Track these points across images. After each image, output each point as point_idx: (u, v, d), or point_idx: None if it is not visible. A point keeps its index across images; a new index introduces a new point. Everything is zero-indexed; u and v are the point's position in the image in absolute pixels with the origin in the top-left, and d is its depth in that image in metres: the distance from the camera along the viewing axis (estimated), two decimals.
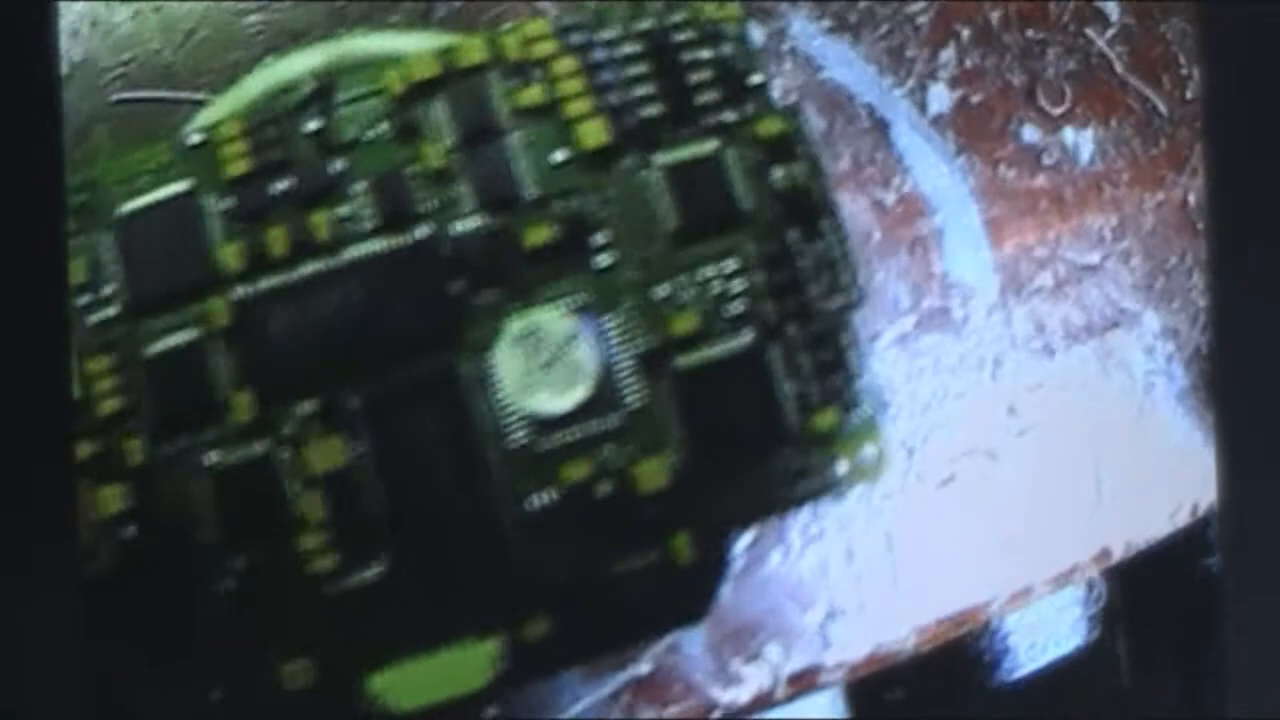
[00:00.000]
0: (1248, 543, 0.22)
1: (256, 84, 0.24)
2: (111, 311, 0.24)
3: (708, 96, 0.24)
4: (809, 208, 0.23)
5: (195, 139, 0.24)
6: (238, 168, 0.24)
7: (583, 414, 0.23)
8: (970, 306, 0.28)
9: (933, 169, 0.28)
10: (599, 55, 0.24)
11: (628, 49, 0.24)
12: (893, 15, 0.29)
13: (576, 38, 0.24)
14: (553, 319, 0.23)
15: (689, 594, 0.23)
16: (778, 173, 0.23)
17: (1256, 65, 0.22)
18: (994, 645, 0.29)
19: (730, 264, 0.23)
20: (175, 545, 0.23)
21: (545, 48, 0.24)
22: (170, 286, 0.24)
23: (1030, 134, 0.29)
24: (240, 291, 0.23)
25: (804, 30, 0.28)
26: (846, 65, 0.28)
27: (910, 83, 0.28)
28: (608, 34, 0.24)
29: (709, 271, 0.23)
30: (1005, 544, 0.27)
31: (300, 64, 0.24)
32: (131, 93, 0.27)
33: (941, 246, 0.28)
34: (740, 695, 0.26)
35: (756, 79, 0.24)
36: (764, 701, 0.27)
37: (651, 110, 0.24)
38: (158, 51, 0.28)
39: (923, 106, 0.28)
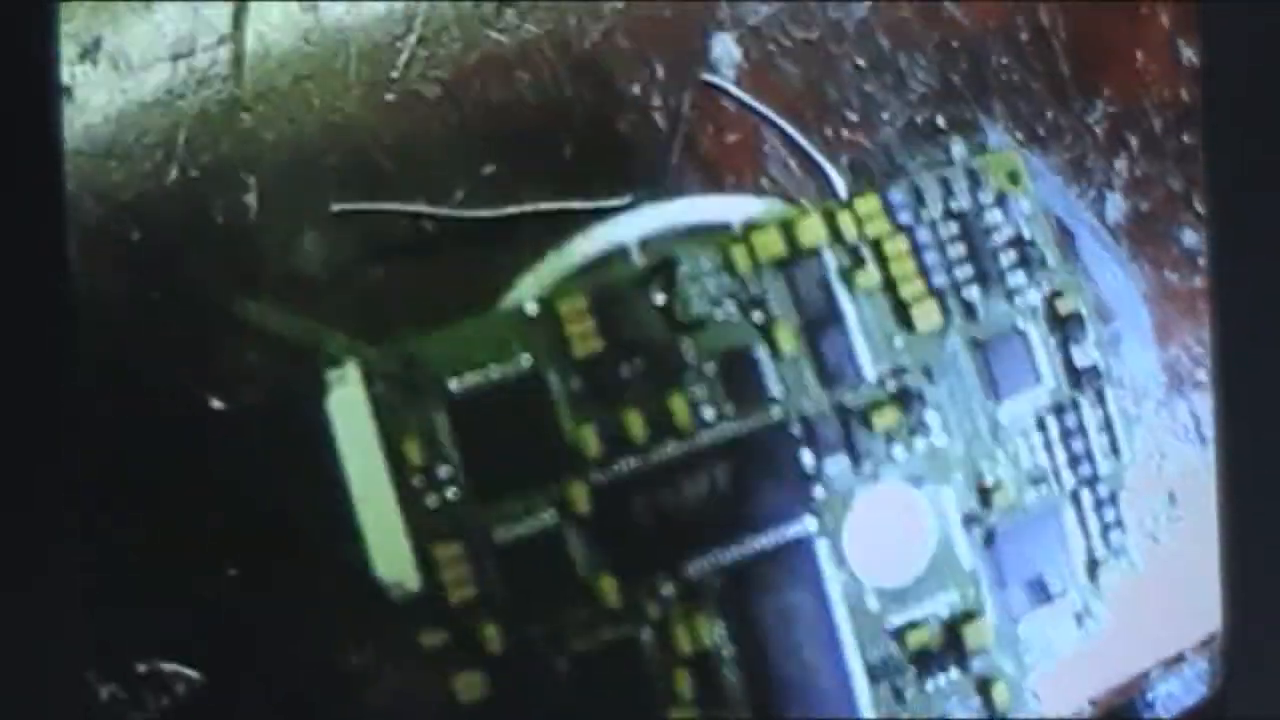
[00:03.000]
0: (1248, 544, 0.27)
1: (581, 249, 0.26)
2: (451, 494, 0.25)
3: (1015, 275, 0.27)
4: (1096, 378, 0.27)
5: (533, 310, 0.25)
6: (588, 346, 0.25)
7: (923, 581, 0.26)
8: (1143, 406, 0.32)
9: (1111, 276, 0.32)
10: (924, 236, 0.26)
11: (948, 229, 0.26)
12: (1074, 125, 0.32)
13: (904, 217, 0.26)
14: (897, 494, 0.26)
15: None
16: (1073, 347, 0.27)
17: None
18: (1139, 704, 0.35)
19: (1037, 436, 0.27)
20: None
21: (878, 227, 0.26)
22: (520, 468, 0.25)
23: (1189, 238, 0.33)
24: (599, 475, 0.25)
25: (1000, 143, 0.31)
26: (1039, 177, 0.31)
27: (1091, 193, 0.32)
28: (928, 213, 0.26)
29: (1020, 444, 0.26)
30: (1164, 617, 0.32)
31: (626, 230, 0.26)
32: (353, 204, 0.27)
33: (1119, 350, 0.32)
34: None
35: (1050, 254, 0.27)
36: None
37: (971, 291, 0.26)
38: (367, 153, 0.28)
39: (1102, 215, 0.32)
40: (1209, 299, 0.32)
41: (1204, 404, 0.32)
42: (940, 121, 0.30)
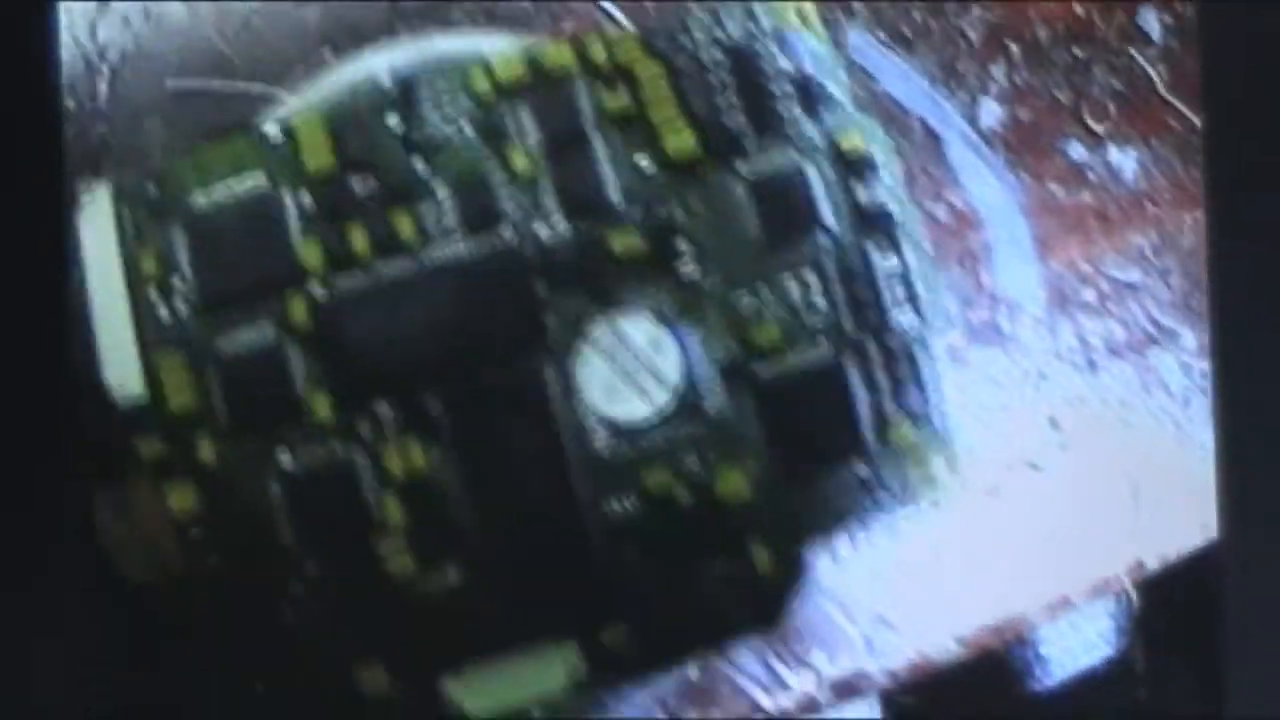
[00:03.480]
0: (1248, 544, 0.23)
1: (333, 81, 0.25)
2: (183, 307, 0.24)
3: (791, 110, 0.25)
4: (889, 222, 0.24)
5: (274, 134, 0.24)
6: (319, 164, 0.24)
7: (665, 421, 0.24)
8: (1017, 321, 0.29)
9: (984, 183, 0.29)
10: (683, 63, 0.25)
11: (712, 57, 0.25)
12: (945, 29, 0.30)
13: (661, 45, 0.25)
14: (637, 326, 0.24)
15: (767, 603, 0.24)
16: (859, 187, 0.24)
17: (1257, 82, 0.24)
18: (1028, 654, 0.31)
19: (811, 277, 0.24)
20: (248, 547, 0.23)
21: (631, 54, 0.25)
22: (247, 283, 0.24)
23: (1077, 151, 0.30)
24: (320, 290, 0.24)
25: (860, 42, 0.30)
26: (901, 78, 0.30)
27: (962, 97, 0.30)
28: (692, 42, 0.25)
29: (790, 283, 0.24)
30: (1045, 555, 0.29)
31: (379, 62, 0.25)
32: (187, 82, 0.28)
33: (991, 261, 0.29)
34: (786, 700, 0.28)
35: (837, 93, 0.25)
36: (808, 707, 0.28)
37: (736, 121, 0.25)
38: (211, 41, 0.28)
39: (974, 121, 0.30)
40: (1209, 298, 0.30)
41: (1094, 328, 0.30)
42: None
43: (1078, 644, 0.32)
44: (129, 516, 0.24)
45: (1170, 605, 0.33)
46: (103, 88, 0.29)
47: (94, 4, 0.30)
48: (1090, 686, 0.33)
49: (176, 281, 0.25)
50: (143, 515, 0.24)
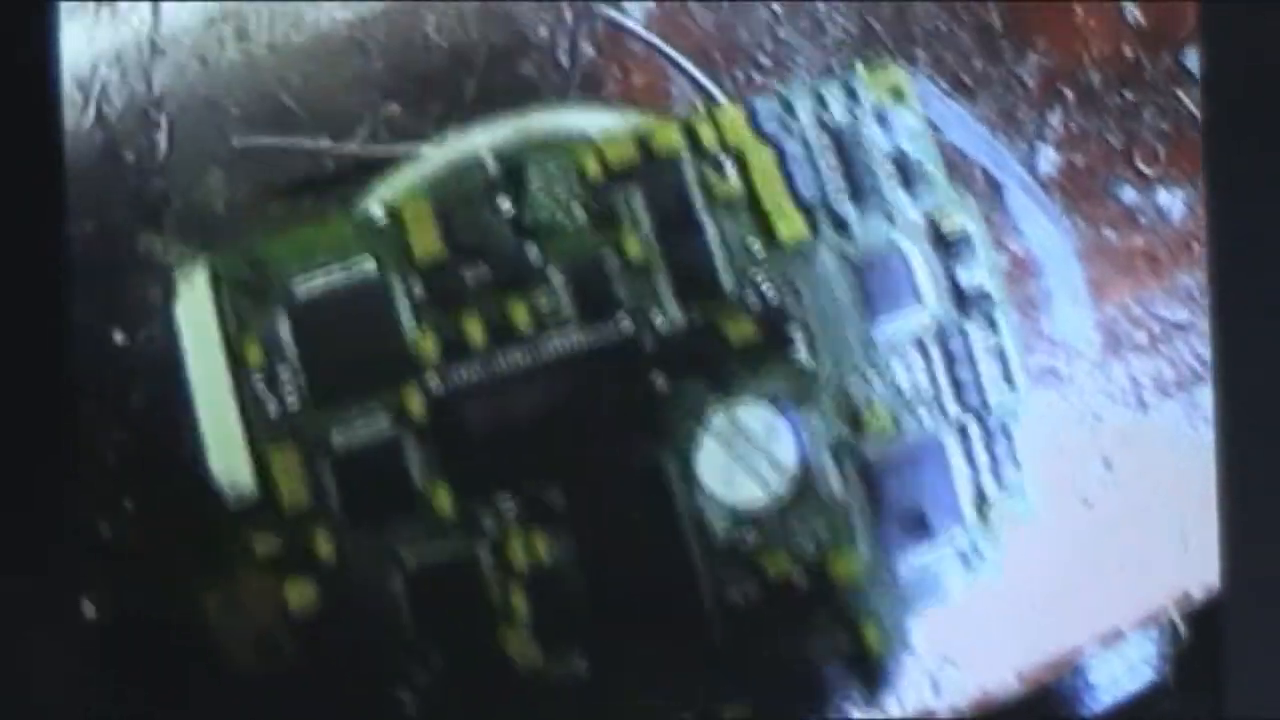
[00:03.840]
0: (1248, 545, 0.24)
1: (435, 160, 0.25)
2: (292, 399, 0.23)
3: (894, 190, 0.25)
4: (987, 301, 0.25)
5: (379, 216, 0.24)
6: (430, 250, 0.24)
7: (782, 507, 0.24)
8: (1075, 365, 0.30)
9: (1042, 230, 0.30)
10: (791, 147, 0.25)
11: (819, 140, 0.25)
12: (1004, 77, 0.30)
13: (769, 127, 0.25)
14: (754, 414, 0.24)
15: (875, 674, 0.25)
16: (959, 269, 0.25)
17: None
18: (1078, 683, 0.32)
19: (916, 358, 0.25)
20: (369, 640, 0.23)
21: (740, 136, 0.25)
22: (359, 374, 0.24)
23: (1129, 195, 0.31)
24: (436, 381, 0.23)
25: (923, 92, 0.30)
26: (962, 126, 0.30)
27: (1021, 145, 0.30)
28: (798, 125, 0.25)
29: (896, 365, 0.24)
30: (1098, 589, 0.30)
31: (481, 140, 0.25)
32: (254, 140, 0.27)
33: (1050, 307, 0.30)
34: None
35: (935, 172, 0.25)
36: None
37: (843, 205, 0.25)
38: (274, 93, 0.28)
39: (1033, 168, 0.30)
40: (1209, 298, 0.31)
41: (1144, 368, 0.30)
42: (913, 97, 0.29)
43: (1124, 671, 0.33)
44: (243, 613, 0.24)
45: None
46: (161, 140, 0.28)
47: (148, 51, 0.28)
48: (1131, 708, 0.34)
49: (284, 372, 0.24)
50: (258, 610, 0.24)
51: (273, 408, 0.24)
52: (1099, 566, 0.30)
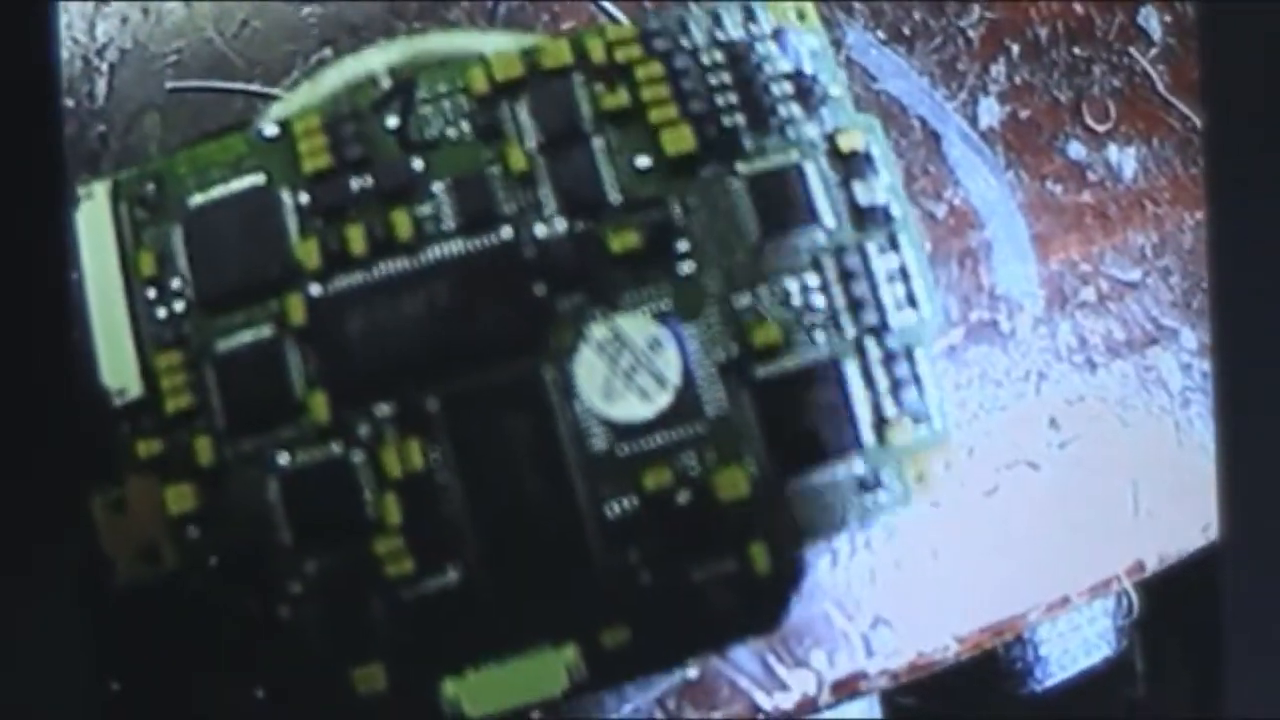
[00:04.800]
0: (1248, 544, 0.23)
1: (332, 79, 0.25)
2: (180, 306, 0.24)
3: (790, 108, 0.24)
4: (887, 221, 0.24)
5: (271, 132, 0.24)
6: (317, 163, 0.24)
7: (664, 421, 0.23)
8: (1017, 320, 0.29)
9: (983, 182, 0.29)
10: (683, 62, 0.24)
11: (711, 57, 0.24)
12: (945, 28, 0.30)
13: (660, 44, 0.24)
14: (636, 325, 0.23)
15: (766, 604, 0.24)
16: (858, 186, 0.24)
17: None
18: (1027, 654, 0.30)
19: (810, 276, 0.24)
20: (245, 547, 0.23)
21: (630, 53, 0.24)
22: (245, 282, 0.24)
23: (1076, 150, 0.30)
24: (318, 289, 0.23)
25: (859, 41, 0.29)
26: (900, 76, 0.29)
27: (962, 96, 0.29)
28: (691, 41, 0.24)
29: (790, 283, 0.24)
30: (1044, 555, 0.29)
31: (377, 59, 0.25)
32: (186, 82, 0.27)
33: (990, 260, 0.29)
34: (785, 701, 0.27)
35: (836, 91, 0.25)
36: (808, 707, 0.28)
37: (734, 120, 0.24)
38: (210, 40, 0.28)
39: (974, 120, 0.29)
40: (1209, 299, 0.30)
41: (1095, 328, 0.29)
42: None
43: (1077, 644, 0.32)
44: (126, 515, 0.24)
45: (1169, 605, 0.32)
46: (101, 86, 0.29)
47: (93, 3, 0.29)
48: (1091, 686, 0.32)
49: (174, 281, 0.24)
50: (140, 514, 0.24)
51: (161, 313, 0.24)
52: (1045, 531, 0.29)
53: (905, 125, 0.30)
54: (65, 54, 0.29)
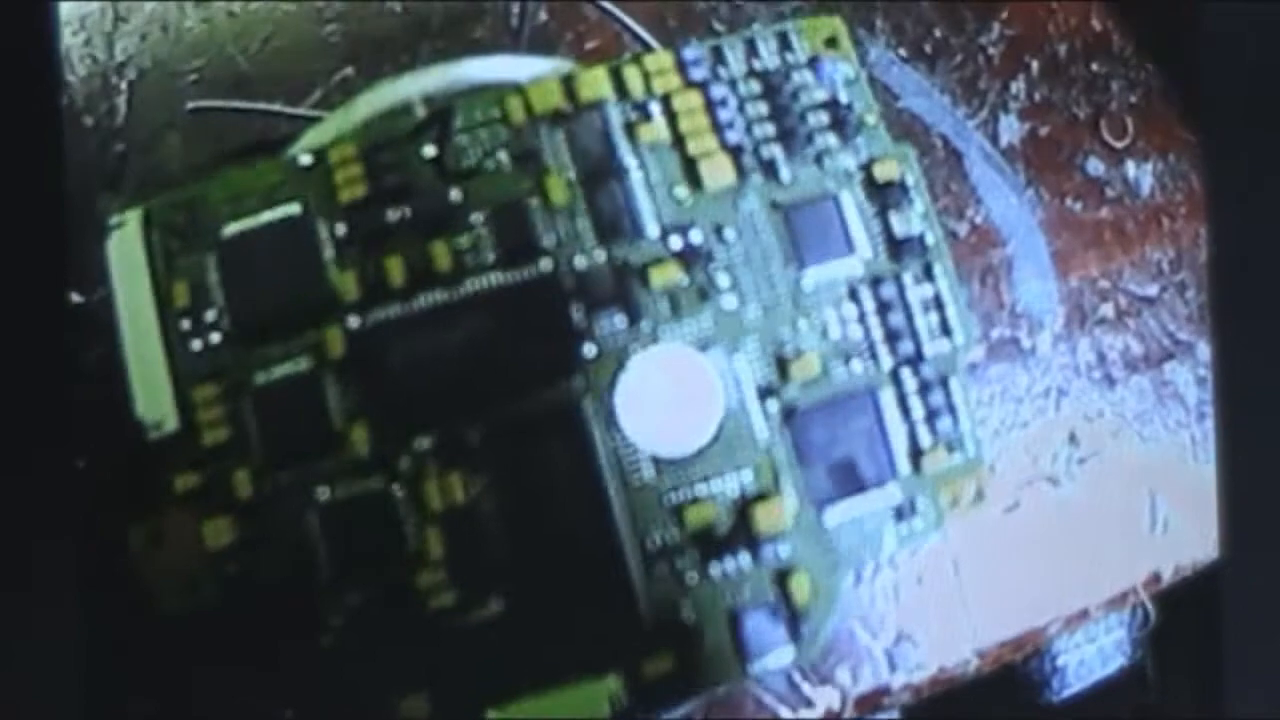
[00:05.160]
0: (1248, 543, 0.23)
1: (366, 106, 0.24)
2: (216, 338, 0.23)
3: (826, 138, 0.24)
4: (922, 251, 0.24)
5: (306, 160, 0.24)
6: (354, 192, 0.24)
7: (705, 453, 0.24)
8: (1037, 337, 0.29)
9: (1004, 200, 0.29)
10: (720, 92, 0.24)
11: (749, 88, 0.24)
12: (966, 45, 0.30)
13: (698, 73, 0.24)
14: (677, 358, 0.23)
15: (805, 632, 0.24)
16: (894, 217, 0.24)
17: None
18: (1044, 666, 0.31)
19: (848, 307, 0.24)
20: (285, 579, 0.23)
21: (669, 83, 0.24)
22: (282, 314, 0.23)
23: (1095, 166, 0.30)
24: (356, 321, 0.23)
25: (881, 58, 0.29)
26: (922, 95, 0.29)
27: (983, 114, 0.30)
28: (729, 71, 0.24)
29: (828, 314, 0.24)
30: (1064, 569, 0.29)
31: (412, 87, 0.25)
32: (208, 101, 0.27)
33: (1011, 277, 0.29)
34: (809, 715, 0.28)
35: (871, 119, 0.25)
36: None
37: (772, 151, 0.24)
38: (232, 58, 0.28)
39: (994, 137, 0.29)
40: (1209, 299, 0.30)
41: (1111, 343, 0.30)
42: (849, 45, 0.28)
43: (1094, 656, 0.32)
44: (164, 548, 0.24)
45: (1172, 609, 0.33)
46: (121, 104, 0.28)
47: (111, 20, 0.29)
48: (1103, 694, 0.33)
49: (210, 312, 0.24)
50: (178, 547, 0.24)
51: (196, 345, 0.24)
52: (1064, 545, 0.29)
53: (927, 144, 0.30)
54: (84, 71, 0.29)
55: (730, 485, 0.24)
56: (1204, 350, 0.30)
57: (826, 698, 0.28)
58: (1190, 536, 0.30)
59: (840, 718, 0.28)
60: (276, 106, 0.27)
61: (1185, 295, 0.30)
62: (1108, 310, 0.30)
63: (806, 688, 0.28)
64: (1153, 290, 0.30)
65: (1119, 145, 0.31)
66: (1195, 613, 0.32)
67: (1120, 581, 0.29)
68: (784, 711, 0.28)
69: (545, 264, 0.24)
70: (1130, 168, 0.30)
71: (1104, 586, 0.29)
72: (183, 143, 0.28)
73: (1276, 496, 0.23)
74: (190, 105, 0.27)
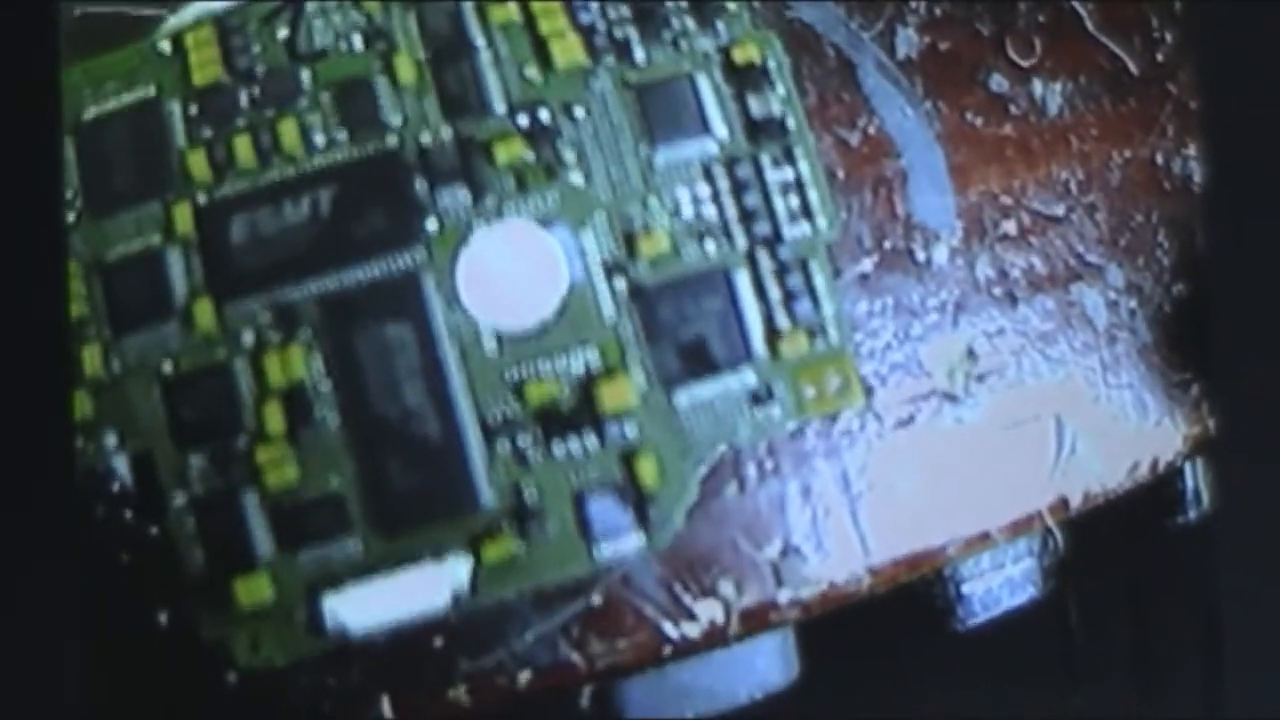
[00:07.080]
0: (1246, 540, 0.22)
1: None
2: (71, 216, 0.23)
3: (684, 21, 0.24)
4: (782, 134, 0.24)
5: (165, 46, 0.24)
6: (206, 75, 0.24)
7: (549, 329, 0.23)
8: (933, 250, 0.28)
9: (899, 111, 0.29)
10: None
11: None
12: None
13: None
14: (521, 233, 0.23)
15: (652, 516, 0.23)
16: (752, 99, 0.24)
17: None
18: (949, 592, 0.30)
19: (701, 186, 0.24)
20: (133, 459, 0.23)
21: None
22: (132, 192, 0.23)
23: (998, 83, 0.29)
24: (204, 198, 0.23)
25: None
26: (814, 4, 0.29)
27: (879, 25, 0.29)
28: None
29: (680, 192, 0.23)
30: (963, 488, 0.28)
31: None
32: (94, 7, 0.27)
33: (905, 189, 0.28)
34: (692, 630, 0.27)
35: (732, 6, 0.24)
36: (716, 637, 0.27)
37: (626, 32, 0.24)
38: None
39: (891, 50, 0.29)
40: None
41: (1016, 261, 0.29)
42: None
43: (1000, 584, 0.31)
44: None
45: (1107, 548, 0.32)
46: None
47: None
48: (1019, 630, 0.32)
49: (67, 191, 0.24)
50: None
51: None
52: (963, 465, 0.29)
53: (819, 52, 0.29)
54: None
55: (575, 362, 0.24)
56: (1115, 274, 0.30)
57: (710, 610, 0.27)
58: (1099, 463, 0.29)
59: (725, 633, 0.27)
60: (157, 10, 0.28)
61: (1095, 217, 0.30)
62: (1009, 227, 0.29)
63: (688, 599, 0.27)
64: (1059, 210, 0.30)
65: (1025, 64, 0.30)
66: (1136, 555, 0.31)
67: (1024, 505, 0.29)
68: (665, 624, 0.27)
69: (391, 140, 0.24)
70: (1037, 85, 0.30)
71: (1005, 510, 0.29)
72: (66, 48, 0.28)
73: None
74: (78, 11, 0.28)
